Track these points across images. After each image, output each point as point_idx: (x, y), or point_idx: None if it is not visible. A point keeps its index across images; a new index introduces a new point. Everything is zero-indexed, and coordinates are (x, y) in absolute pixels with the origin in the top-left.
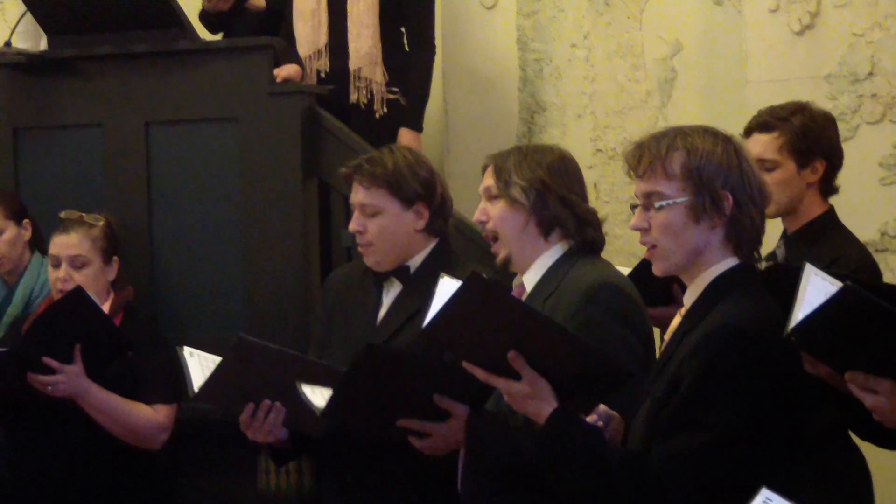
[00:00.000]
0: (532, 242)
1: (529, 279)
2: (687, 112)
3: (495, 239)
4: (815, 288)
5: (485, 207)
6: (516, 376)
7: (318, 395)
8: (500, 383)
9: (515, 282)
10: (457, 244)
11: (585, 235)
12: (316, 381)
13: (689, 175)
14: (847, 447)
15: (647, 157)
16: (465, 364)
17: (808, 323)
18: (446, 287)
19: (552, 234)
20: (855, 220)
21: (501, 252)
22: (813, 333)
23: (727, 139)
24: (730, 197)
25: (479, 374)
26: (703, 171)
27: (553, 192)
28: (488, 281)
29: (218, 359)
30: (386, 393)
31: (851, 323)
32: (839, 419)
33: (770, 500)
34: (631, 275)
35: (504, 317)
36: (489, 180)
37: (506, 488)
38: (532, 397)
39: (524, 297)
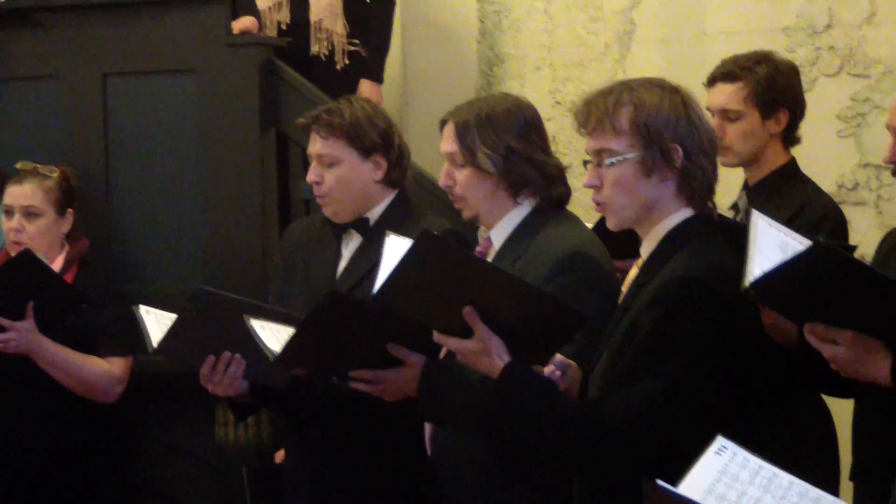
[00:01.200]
0: (501, 204)
1: (497, 236)
2: (645, 64)
3: (458, 200)
4: (767, 237)
5: (450, 171)
6: (469, 333)
7: (273, 341)
8: (451, 343)
9: (482, 234)
10: (415, 195)
11: (553, 191)
12: (258, 341)
13: (637, 130)
14: (813, 399)
15: (595, 113)
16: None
17: (769, 277)
18: (394, 245)
19: (521, 194)
20: (812, 172)
21: (467, 212)
22: (773, 287)
23: (674, 91)
24: (679, 149)
25: (435, 337)
26: (651, 125)
27: (520, 155)
28: (440, 238)
29: (174, 316)
30: (342, 341)
31: (818, 277)
32: (791, 371)
33: (725, 447)
34: (595, 228)
35: (457, 273)
36: (452, 145)
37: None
38: (485, 354)
39: (492, 253)
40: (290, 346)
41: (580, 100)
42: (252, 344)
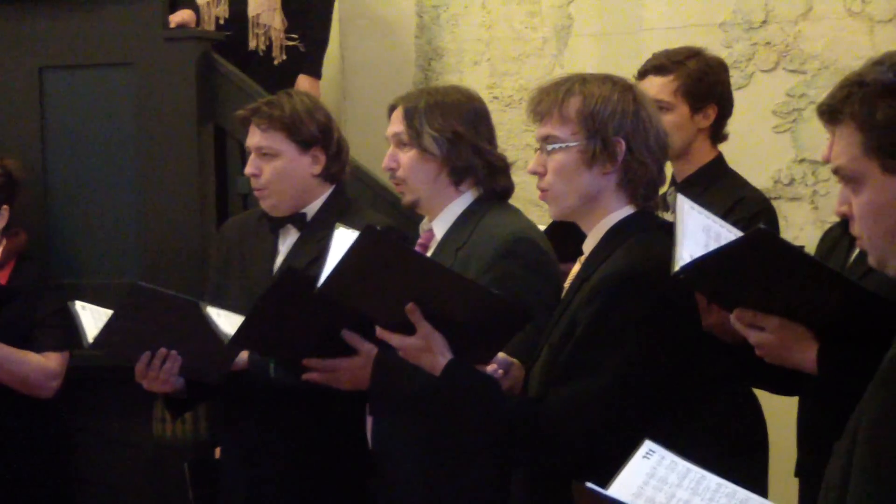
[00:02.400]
0: (443, 191)
1: (439, 226)
2: (583, 59)
3: (400, 183)
4: (692, 220)
5: (395, 153)
6: (412, 329)
7: (226, 323)
8: (393, 339)
9: (423, 226)
10: (354, 190)
11: (496, 183)
12: (213, 326)
13: (583, 119)
14: (744, 395)
15: (545, 101)
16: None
17: (701, 262)
18: (342, 238)
19: (463, 183)
20: (749, 167)
21: (408, 196)
22: (704, 272)
23: (627, 87)
24: (622, 143)
25: (377, 333)
26: (597, 117)
27: (466, 141)
28: (383, 234)
29: (110, 312)
30: (296, 325)
31: (753, 263)
32: (734, 368)
33: (653, 451)
34: (546, 231)
35: (401, 269)
36: (398, 126)
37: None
38: (427, 351)
39: (434, 244)
40: (244, 327)
41: (535, 89)
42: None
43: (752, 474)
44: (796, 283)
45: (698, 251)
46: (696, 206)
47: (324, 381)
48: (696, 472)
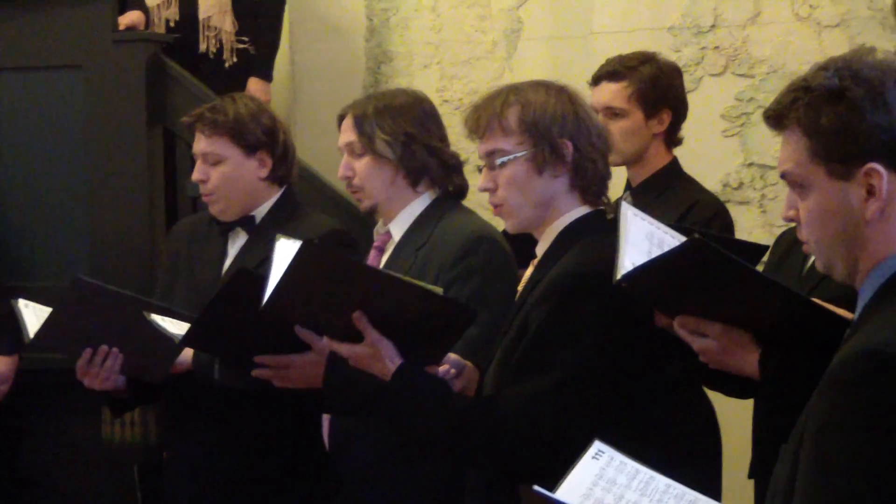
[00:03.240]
0: (401, 193)
1: (397, 227)
2: (532, 62)
3: (357, 190)
4: (635, 228)
5: (349, 162)
6: (361, 337)
7: (175, 326)
8: (342, 349)
9: (379, 228)
10: (303, 193)
11: (452, 182)
12: (157, 326)
13: (525, 128)
14: (697, 397)
15: (483, 117)
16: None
17: (642, 271)
18: (284, 249)
19: (420, 184)
20: (698, 171)
21: (367, 202)
22: (646, 280)
23: (560, 89)
24: (569, 144)
25: (325, 341)
26: (539, 122)
27: (418, 142)
28: (321, 247)
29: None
30: (247, 324)
31: (691, 272)
32: (689, 370)
33: (602, 451)
34: (504, 232)
35: (343, 279)
36: (350, 135)
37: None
38: (376, 358)
39: (391, 246)
40: (196, 327)
41: (469, 107)
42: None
43: (705, 477)
44: (735, 291)
45: (640, 259)
46: (639, 213)
47: (275, 379)
48: (645, 472)
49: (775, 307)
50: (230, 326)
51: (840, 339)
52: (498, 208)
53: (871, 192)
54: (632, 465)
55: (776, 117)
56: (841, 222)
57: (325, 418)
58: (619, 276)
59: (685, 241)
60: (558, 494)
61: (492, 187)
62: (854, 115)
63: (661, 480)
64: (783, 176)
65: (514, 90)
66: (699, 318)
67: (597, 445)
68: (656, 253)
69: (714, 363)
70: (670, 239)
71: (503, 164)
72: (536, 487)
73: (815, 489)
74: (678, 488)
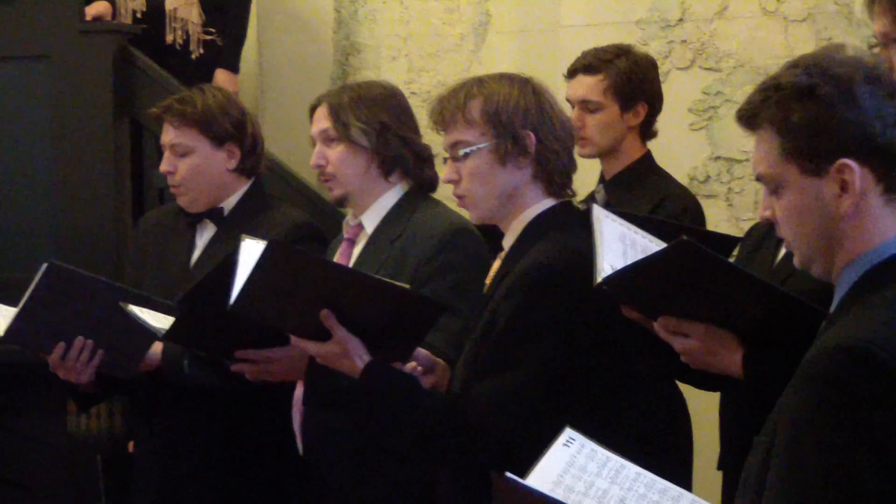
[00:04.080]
0: (374, 183)
1: (370, 219)
2: (500, 55)
3: (329, 179)
4: (609, 230)
5: (322, 151)
6: (329, 335)
7: (152, 318)
8: (310, 347)
9: (349, 221)
10: (271, 185)
11: (424, 174)
12: (137, 318)
13: (488, 119)
14: (669, 390)
15: (447, 108)
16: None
17: (625, 273)
18: (249, 250)
19: (393, 174)
20: (665, 165)
21: (338, 190)
22: (626, 283)
23: (524, 81)
24: (532, 135)
25: (292, 342)
26: (501, 114)
27: (393, 132)
28: (288, 246)
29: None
30: (228, 318)
31: (678, 273)
32: (660, 363)
33: (573, 438)
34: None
35: (310, 277)
36: (324, 122)
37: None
38: (344, 356)
39: (363, 238)
40: (180, 320)
41: (434, 99)
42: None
43: (676, 470)
44: (720, 290)
45: (618, 261)
46: (610, 215)
47: (255, 374)
48: (616, 460)
49: (762, 305)
50: (213, 319)
51: None
52: (462, 199)
53: (844, 187)
54: (602, 452)
55: (748, 117)
56: (816, 219)
57: (296, 417)
58: (598, 279)
59: (673, 242)
60: (529, 481)
61: (455, 179)
62: (824, 112)
63: (632, 468)
64: (758, 178)
65: (478, 82)
66: (681, 318)
67: (568, 433)
68: (631, 254)
69: (697, 364)
70: (641, 239)
71: (466, 156)
72: (508, 475)
73: (788, 483)
74: (648, 476)
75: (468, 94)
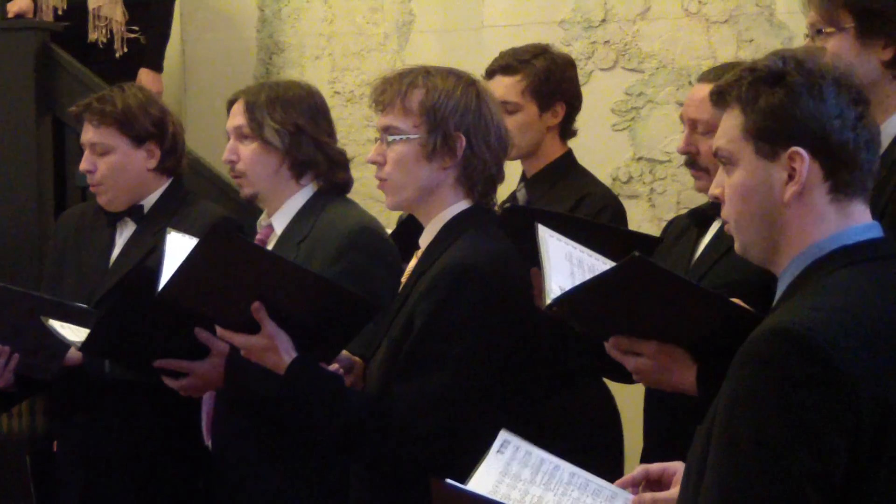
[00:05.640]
0: (284, 184)
1: (279, 221)
2: (424, 54)
3: (240, 176)
4: (554, 250)
5: (235, 146)
6: (258, 328)
7: (69, 330)
8: (237, 339)
9: (262, 222)
10: (193, 183)
11: (336, 177)
12: (54, 330)
13: (424, 112)
14: (597, 388)
15: (389, 91)
16: (196, 331)
17: (576, 293)
18: (175, 243)
19: (304, 177)
20: (588, 165)
21: (248, 188)
22: (577, 303)
23: (471, 83)
24: (463, 139)
25: (218, 333)
26: (438, 110)
27: (307, 135)
28: (227, 234)
29: None
30: (146, 327)
31: (630, 290)
32: (587, 360)
33: (508, 441)
34: (393, 234)
35: (246, 267)
36: (240, 119)
37: (258, 428)
38: (271, 350)
39: (273, 239)
40: (94, 333)
41: (380, 78)
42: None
43: (607, 467)
44: (672, 306)
45: (566, 280)
46: (554, 234)
47: (179, 389)
48: (550, 462)
49: (713, 319)
50: (129, 330)
51: None
52: (382, 183)
53: (792, 175)
54: (537, 455)
55: (719, 94)
56: (759, 200)
57: (205, 415)
58: (548, 301)
59: (624, 260)
60: (468, 488)
61: (380, 161)
62: (789, 99)
63: (567, 469)
64: (716, 153)
65: (426, 73)
66: (632, 337)
67: (502, 436)
68: (578, 273)
69: (651, 382)
70: (588, 257)
71: (394, 142)
72: (448, 481)
73: (725, 464)
74: (582, 477)
75: (412, 83)
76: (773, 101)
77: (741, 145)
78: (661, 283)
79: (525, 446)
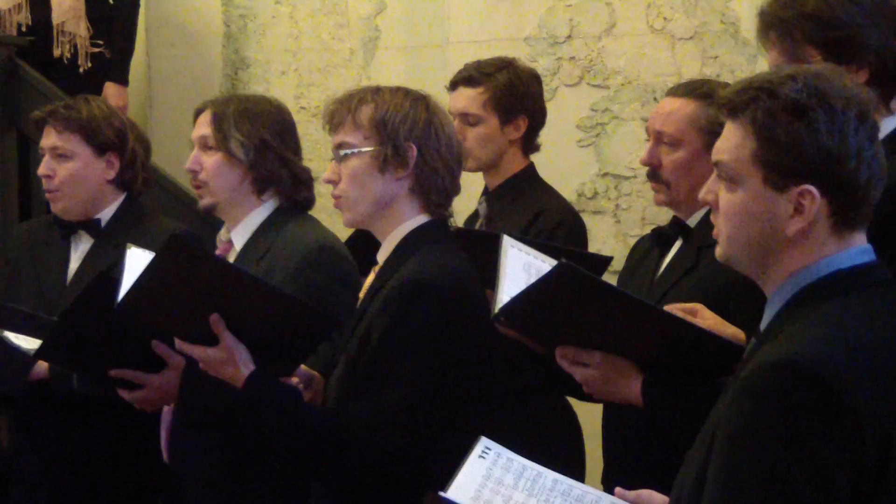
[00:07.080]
0: (245, 198)
1: (239, 236)
2: (390, 71)
3: (201, 186)
4: (514, 260)
5: (198, 156)
6: (216, 341)
7: (23, 341)
8: (195, 351)
9: (222, 237)
10: (158, 197)
11: (298, 195)
12: (17, 329)
13: (374, 125)
14: (558, 402)
15: (340, 110)
16: (153, 344)
17: (516, 303)
18: (135, 258)
19: (266, 192)
20: (553, 181)
21: (207, 199)
22: (522, 313)
23: (420, 97)
24: (414, 148)
25: (177, 344)
26: (388, 122)
27: (273, 151)
28: (185, 246)
29: None
30: (103, 337)
31: (564, 299)
32: (543, 376)
33: (489, 448)
34: (348, 242)
35: (206, 279)
36: (205, 129)
37: (216, 443)
38: (229, 363)
39: (233, 254)
40: (51, 340)
41: (330, 99)
42: None
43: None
44: (607, 315)
45: (517, 291)
46: (517, 244)
47: (133, 401)
48: (532, 469)
49: (650, 330)
50: (87, 338)
51: (722, 360)
52: (338, 200)
53: (798, 210)
54: (518, 461)
55: (732, 107)
56: (760, 228)
57: (163, 431)
58: (496, 311)
59: (554, 267)
60: (449, 495)
61: (335, 179)
62: (809, 136)
63: (549, 476)
64: (715, 164)
65: (375, 91)
66: (578, 347)
67: (483, 442)
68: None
69: (597, 393)
70: (547, 267)
71: (347, 157)
72: (443, 494)
73: (726, 497)
74: (565, 483)
75: (361, 100)
76: (792, 135)
77: (749, 169)
78: (591, 290)
79: (506, 453)
